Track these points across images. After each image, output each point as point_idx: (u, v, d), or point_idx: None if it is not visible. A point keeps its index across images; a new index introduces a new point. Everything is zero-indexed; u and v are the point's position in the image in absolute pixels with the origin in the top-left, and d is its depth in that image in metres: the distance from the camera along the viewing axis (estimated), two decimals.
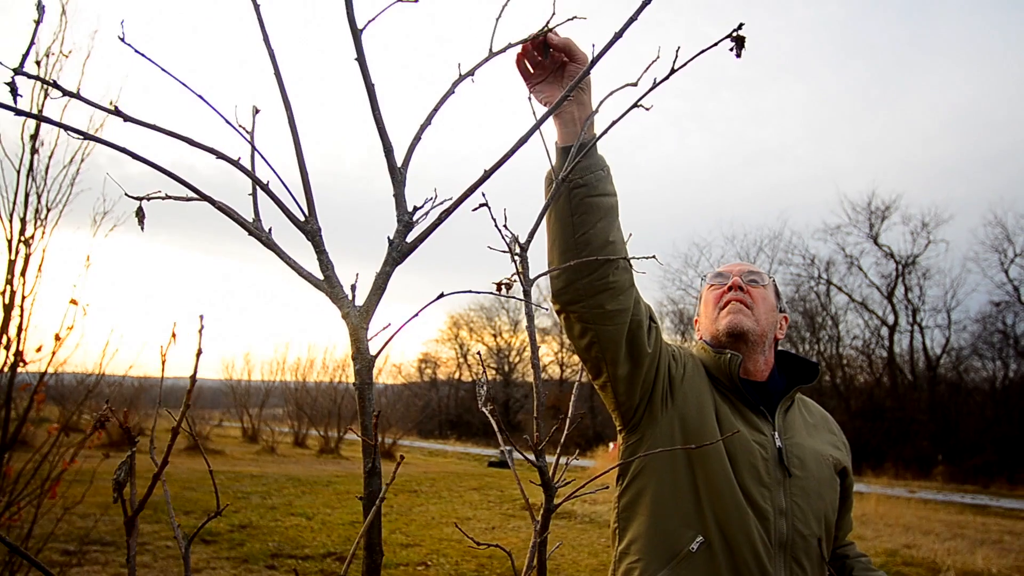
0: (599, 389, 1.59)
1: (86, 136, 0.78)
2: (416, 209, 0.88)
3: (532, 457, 1.02)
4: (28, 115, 0.74)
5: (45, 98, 3.42)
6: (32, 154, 3.43)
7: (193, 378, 0.77)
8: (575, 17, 1.03)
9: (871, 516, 12.72)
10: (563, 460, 1.11)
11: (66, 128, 0.79)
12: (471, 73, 0.99)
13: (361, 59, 0.86)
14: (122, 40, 0.79)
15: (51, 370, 3.39)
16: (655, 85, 1.03)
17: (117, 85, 3.89)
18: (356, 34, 0.85)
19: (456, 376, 47.22)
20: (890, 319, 32.36)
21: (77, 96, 0.83)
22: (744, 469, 1.50)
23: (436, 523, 9.79)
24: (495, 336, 46.65)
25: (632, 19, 0.84)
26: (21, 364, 3.43)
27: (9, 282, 3.27)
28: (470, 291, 0.90)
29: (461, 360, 46.94)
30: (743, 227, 50.77)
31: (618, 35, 0.85)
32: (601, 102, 1.18)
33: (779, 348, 1.81)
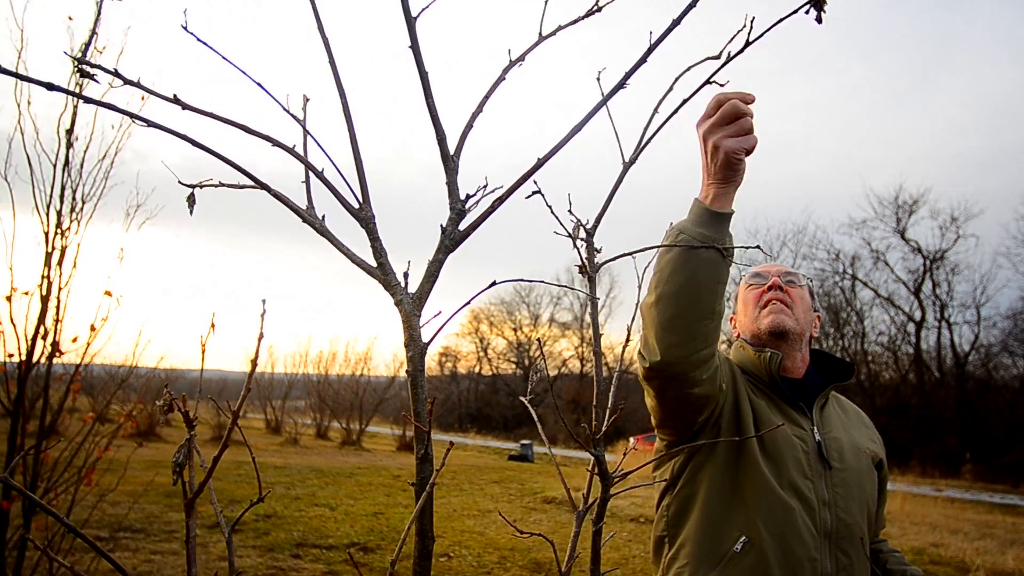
0: (663, 419, 1.54)
1: (149, 123, 0.79)
2: (468, 197, 0.88)
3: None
4: (97, 103, 0.75)
5: (81, 89, 3.47)
6: (68, 148, 3.49)
7: (254, 362, 0.78)
8: None
9: (897, 514, 12.55)
10: (624, 449, 1.10)
11: (131, 115, 0.79)
12: (521, 59, 0.99)
13: (415, 46, 0.86)
14: (185, 29, 0.80)
15: (85, 361, 3.45)
16: (729, 59, 1.02)
17: (149, 80, 3.93)
18: (411, 21, 0.85)
19: (476, 370, 47.38)
20: (917, 315, 31.85)
21: (138, 85, 0.84)
22: (787, 462, 1.53)
23: (458, 515, 9.84)
24: (515, 330, 46.72)
25: (691, 5, 0.82)
26: (57, 354, 3.50)
27: (46, 275, 3.33)
28: (522, 279, 0.89)
29: (481, 354, 47.09)
30: (766, 221, 50.22)
31: (676, 21, 0.84)
32: (679, 76, 1.15)
33: (813, 347, 1.82)
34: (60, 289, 3.40)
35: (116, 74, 0.86)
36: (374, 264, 0.86)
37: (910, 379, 31.70)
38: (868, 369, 32.89)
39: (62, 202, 3.44)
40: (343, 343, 25.72)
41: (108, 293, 3.38)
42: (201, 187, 0.96)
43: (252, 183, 0.86)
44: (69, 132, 3.49)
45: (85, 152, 3.46)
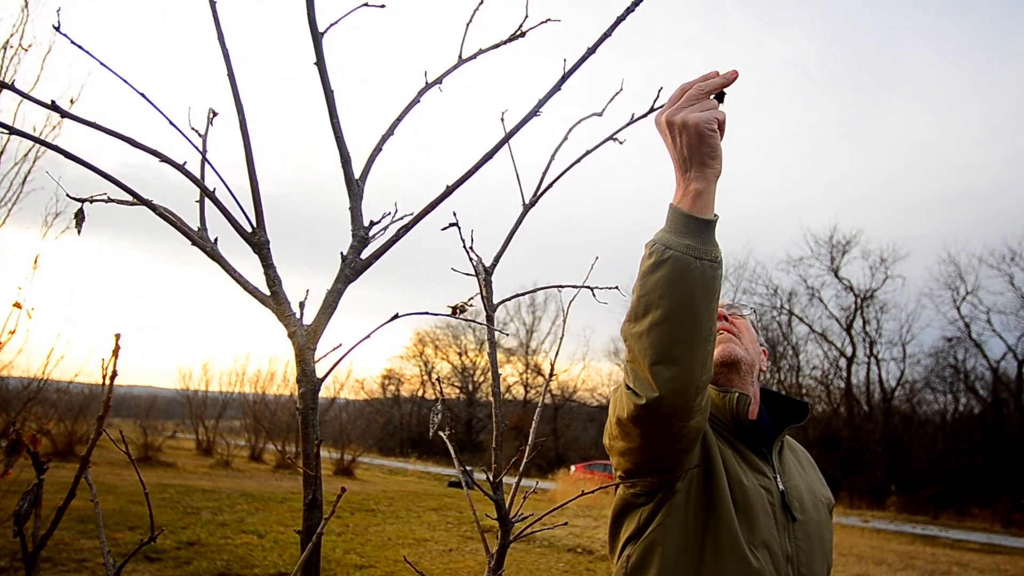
0: (643, 464, 1.39)
1: (27, 136, 0.72)
2: (373, 224, 0.83)
3: (489, 488, 0.97)
4: None
5: None
6: None
7: (107, 404, 0.71)
8: (548, 20, 1.00)
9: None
10: (524, 488, 1.06)
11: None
12: (439, 81, 0.95)
13: (321, 63, 0.81)
14: (57, 30, 0.74)
15: None
16: (632, 121, 1.01)
17: (79, 81, 3.77)
18: (317, 37, 0.81)
19: (420, 394, 46.73)
20: (848, 351, 33.10)
21: (12, 88, 0.77)
22: (758, 516, 1.42)
23: (392, 544, 9.57)
24: (460, 355, 46.39)
25: (606, 35, 0.81)
26: None
27: None
28: (427, 313, 0.85)
29: (425, 377, 46.50)
30: None
31: (591, 50, 0.82)
32: (573, 127, 1.15)
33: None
34: None
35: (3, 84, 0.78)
36: (267, 292, 0.80)
37: (841, 412, 32.80)
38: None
39: None
40: (282, 362, 24.91)
41: (18, 305, 3.17)
42: (92, 201, 0.89)
43: (137, 200, 0.79)
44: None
45: (0, 153, 3.27)
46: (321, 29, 0.81)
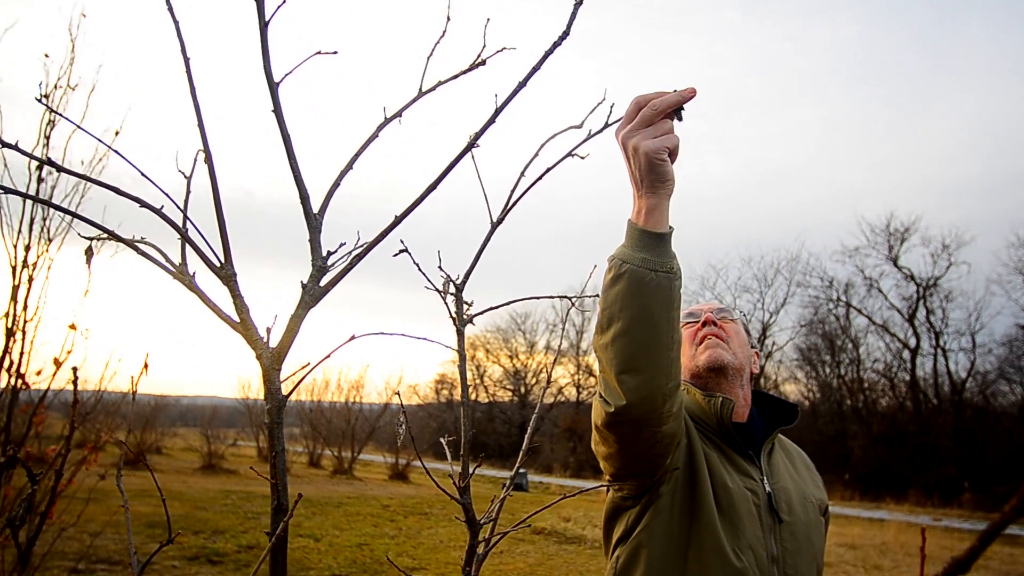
0: (623, 468, 1.44)
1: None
2: (330, 254, 0.91)
3: (454, 490, 1.03)
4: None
5: (52, 128, 3.54)
6: (38, 182, 3.54)
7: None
8: (504, 49, 1.06)
9: (891, 545, 12.40)
10: (498, 486, 1.12)
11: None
12: (398, 115, 1.03)
13: (278, 111, 0.90)
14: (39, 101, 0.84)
15: (51, 393, 3.46)
16: (589, 136, 1.06)
17: (121, 116, 4.00)
18: (273, 86, 0.89)
19: (473, 398, 47.11)
20: (912, 342, 31.79)
21: (10, 146, 0.88)
22: (742, 518, 1.45)
23: (444, 547, 9.73)
24: (511, 358, 46.58)
25: (536, 68, 0.87)
26: (23, 387, 3.51)
27: (11, 309, 3.36)
28: (382, 333, 0.92)
29: (477, 381, 46.85)
30: (760, 248, 50.42)
31: (522, 84, 0.88)
32: (544, 143, 1.21)
33: (753, 388, 1.78)
34: (26, 322, 3.42)
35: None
36: (237, 320, 0.89)
37: (907, 406, 31.53)
38: (864, 396, 32.76)
39: (31, 235, 3.48)
40: (336, 371, 25.54)
41: (73, 327, 3.40)
42: (99, 239, 0.99)
43: (118, 240, 0.89)
44: (40, 167, 3.54)
45: (53, 188, 3.51)
46: (276, 79, 0.89)
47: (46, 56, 3.68)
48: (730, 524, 1.43)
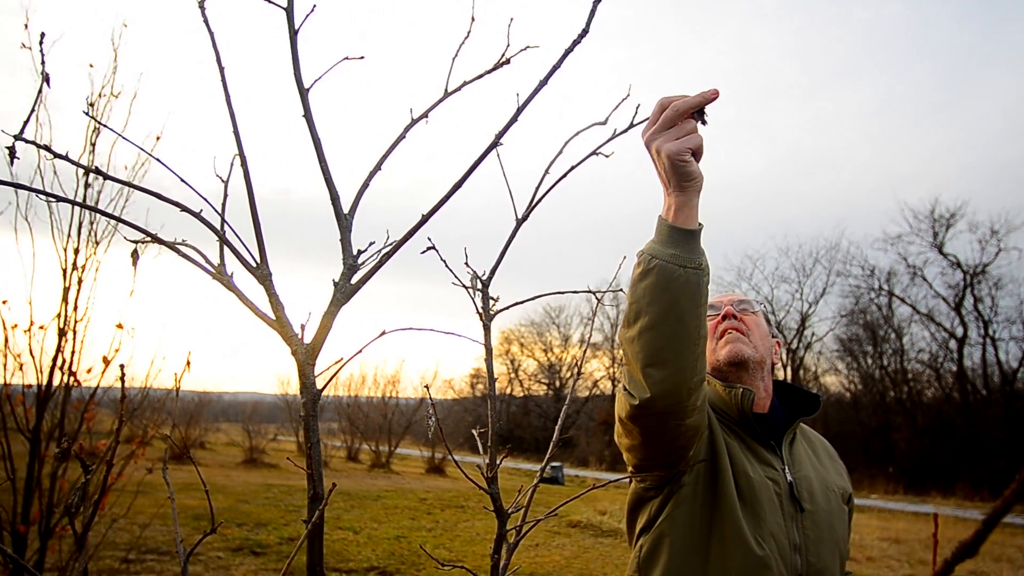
0: (646, 460, 1.47)
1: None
2: (360, 252, 0.94)
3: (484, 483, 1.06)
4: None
5: (97, 136, 3.67)
6: (86, 188, 3.68)
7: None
8: (527, 47, 1.07)
9: (938, 540, 12.09)
10: (529, 475, 1.14)
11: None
12: (425, 115, 1.05)
13: (308, 116, 0.93)
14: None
15: (101, 389, 3.60)
16: (614, 135, 1.07)
17: (162, 121, 4.12)
18: (303, 93, 0.93)
19: (508, 391, 47.28)
20: (959, 331, 30.85)
21: (64, 158, 0.93)
22: (764, 507, 1.47)
23: (480, 539, 9.82)
24: (546, 351, 46.60)
25: (555, 67, 0.88)
26: (75, 384, 3.66)
27: (63, 309, 3.50)
28: (411, 328, 0.95)
29: (512, 375, 47.00)
30: (797, 238, 49.38)
31: (543, 83, 0.90)
32: (569, 140, 1.22)
33: (775, 378, 1.79)
34: (76, 322, 3.57)
35: (46, 148, 0.95)
36: (273, 317, 0.93)
37: (954, 397, 30.64)
38: (909, 387, 31.94)
39: (79, 238, 3.62)
40: (372, 366, 25.91)
41: (119, 326, 3.54)
42: (144, 243, 1.05)
43: (160, 243, 0.94)
44: (87, 173, 3.68)
45: (99, 194, 3.65)
46: (306, 85, 0.93)
47: (90, 66, 3.82)
48: (752, 513, 1.45)
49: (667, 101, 1.17)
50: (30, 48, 3.38)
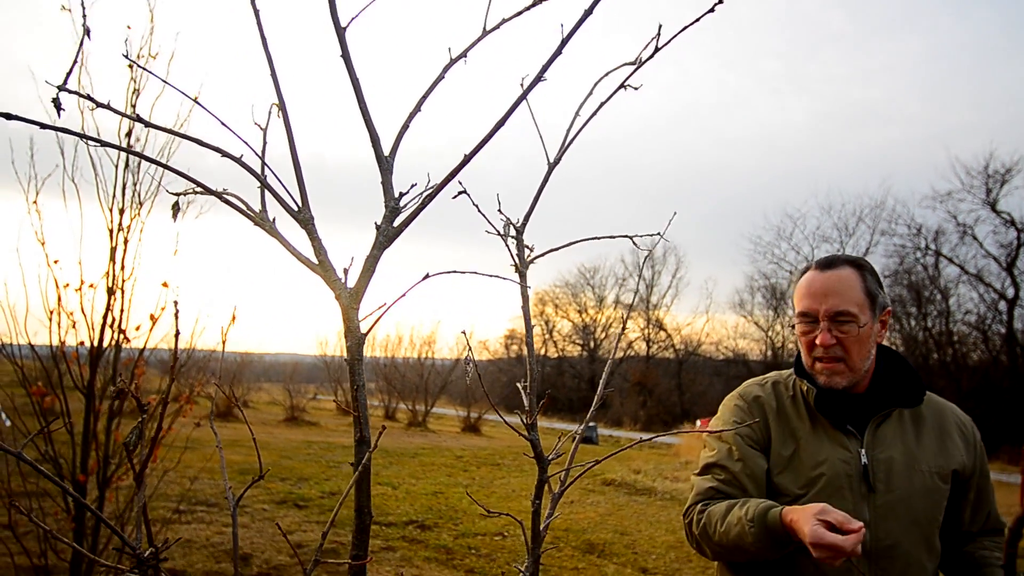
0: None
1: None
2: (402, 195, 0.93)
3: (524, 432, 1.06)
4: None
5: (136, 97, 3.71)
6: (128, 148, 3.74)
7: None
8: None
9: None
10: (566, 434, 1.14)
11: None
12: (463, 55, 1.02)
13: (346, 55, 0.91)
14: (126, 58, 0.88)
15: (149, 347, 3.72)
16: (640, 64, 1.03)
17: (198, 82, 4.14)
18: (340, 32, 0.91)
19: (542, 352, 47.56)
20: (1009, 292, 29.79)
21: (105, 106, 0.93)
22: (825, 488, 1.60)
23: (516, 495, 10.01)
24: (580, 312, 46.56)
25: None
26: (124, 341, 3.78)
27: (110, 269, 3.60)
28: (454, 271, 0.94)
29: (547, 336, 47.17)
30: (840, 196, 47.76)
31: (588, 12, 0.86)
32: (599, 80, 1.18)
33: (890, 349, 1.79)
34: (124, 281, 3.67)
35: (88, 97, 0.95)
36: (316, 262, 0.93)
37: (1001, 360, 29.78)
38: (954, 350, 31.12)
39: (123, 199, 3.70)
40: (408, 327, 26.28)
41: (165, 284, 3.62)
42: (185, 194, 1.05)
43: (204, 191, 0.94)
44: (128, 135, 3.74)
45: (142, 151, 3.70)
46: (343, 24, 0.91)
47: (128, 28, 3.83)
48: (814, 494, 1.58)
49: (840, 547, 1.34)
50: (70, 10, 3.41)
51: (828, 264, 1.66)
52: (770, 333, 37.94)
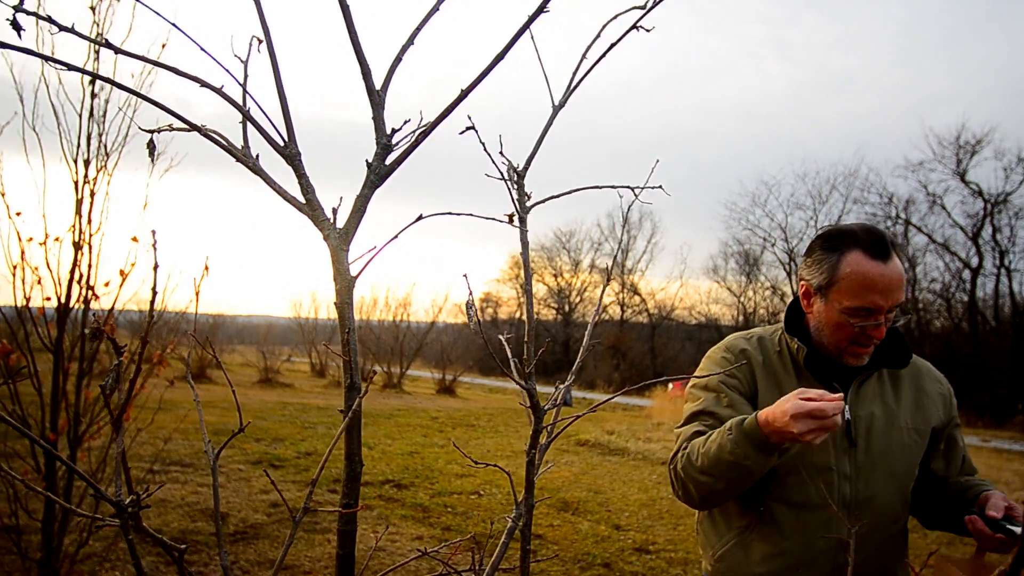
0: None
1: (100, 78, 0.81)
2: (395, 131, 0.88)
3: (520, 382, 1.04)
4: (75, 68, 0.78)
5: (106, 26, 3.53)
6: (92, 98, 3.57)
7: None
8: None
9: None
10: (559, 387, 1.12)
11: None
12: None
13: None
14: None
15: (119, 306, 3.62)
16: (650, 7, 0.99)
17: (165, 28, 3.96)
18: None
19: (517, 315, 47.73)
20: (974, 261, 30.53)
21: (69, 30, 0.86)
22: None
23: (491, 455, 10.12)
24: (556, 276, 46.70)
25: None
26: (93, 298, 3.67)
27: (77, 222, 3.47)
28: (449, 213, 0.90)
29: (522, 300, 47.29)
30: (816, 164, 48.18)
31: None
32: (607, 23, 1.13)
33: None
34: (91, 236, 3.54)
35: (49, 19, 0.88)
36: (303, 200, 0.88)
37: (963, 327, 30.68)
38: (919, 317, 31.94)
39: (89, 150, 3.55)
40: (383, 289, 26.13)
41: (135, 239, 3.51)
42: (159, 131, 0.99)
43: (185, 126, 0.88)
44: (92, 81, 3.57)
45: (107, 102, 3.55)
46: None
47: None
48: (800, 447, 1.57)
49: (820, 410, 1.35)
50: None
51: (886, 253, 1.57)
52: (742, 299, 38.53)
